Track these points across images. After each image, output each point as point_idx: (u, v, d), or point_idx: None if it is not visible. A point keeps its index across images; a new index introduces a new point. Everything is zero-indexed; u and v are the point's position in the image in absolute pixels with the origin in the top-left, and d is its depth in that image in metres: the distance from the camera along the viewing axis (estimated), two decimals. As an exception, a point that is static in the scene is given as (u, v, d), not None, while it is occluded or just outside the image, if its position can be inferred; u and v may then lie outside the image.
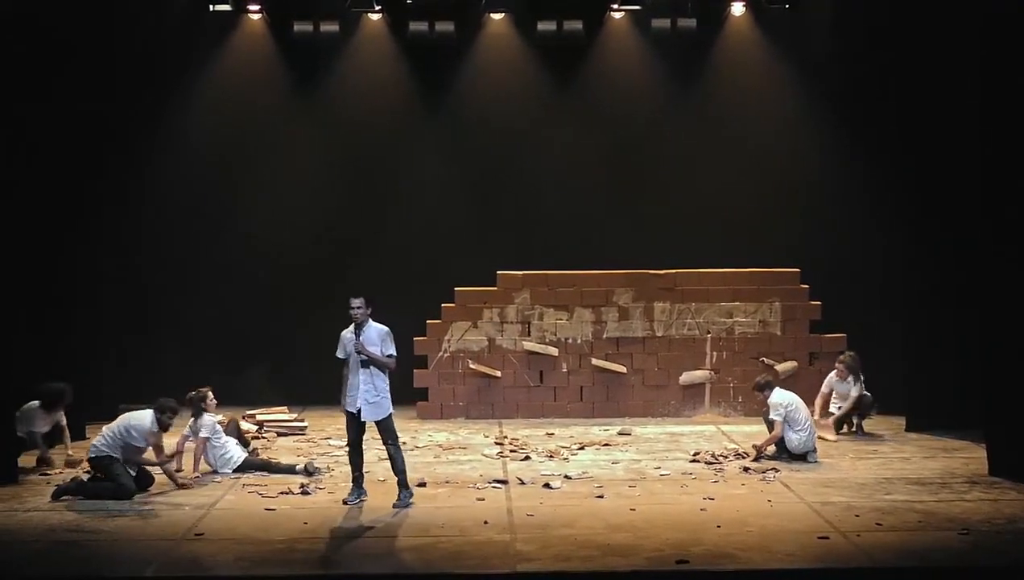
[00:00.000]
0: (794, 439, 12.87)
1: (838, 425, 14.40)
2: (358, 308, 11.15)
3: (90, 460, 11.76)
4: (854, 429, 14.51)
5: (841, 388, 14.47)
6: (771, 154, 17.08)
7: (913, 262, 14.78)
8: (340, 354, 11.29)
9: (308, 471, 12.49)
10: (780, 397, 13.13)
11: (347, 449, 11.46)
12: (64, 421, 13.02)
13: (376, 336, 11.20)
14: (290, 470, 12.58)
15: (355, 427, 11.25)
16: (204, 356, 16.30)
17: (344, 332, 11.30)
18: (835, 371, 14.54)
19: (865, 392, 14.43)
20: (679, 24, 16.76)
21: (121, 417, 11.89)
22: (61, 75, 14.19)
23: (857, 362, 14.48)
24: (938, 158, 14.32)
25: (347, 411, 11.25)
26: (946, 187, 14.26)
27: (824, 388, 14.62)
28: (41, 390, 12.86)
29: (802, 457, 12.87)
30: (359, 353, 11.10)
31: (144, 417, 11.73)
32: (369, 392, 11.14)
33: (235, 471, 12.52)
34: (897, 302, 15.20)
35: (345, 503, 11.16)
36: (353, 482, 11.30)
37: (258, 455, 13.19)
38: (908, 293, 14.89)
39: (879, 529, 10.13)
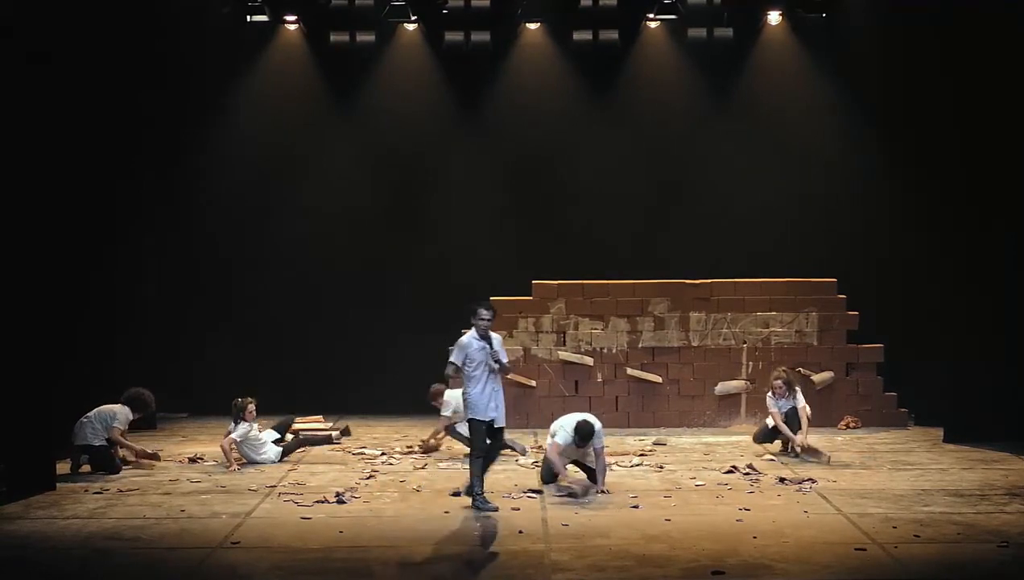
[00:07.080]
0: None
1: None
2: (489, 320, 11.24)
3: None
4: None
5: (783, 406, 13.69)
6: (807, 163, 17.03)
7: (952, 273, 14.68)
8: (459, 360, 11.24)
9: (342, 434, 14.50)
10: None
11: (476, 458, 11.28)
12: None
13: (498, 345, 11.35)
14: (327, 440, 14.32)
15: (486, 435, 11.28)
16: (246, 362, 16.37)
17: (464, 338, 11.31)
18: (773, 391, 13.72)
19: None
20: (715, 33, 16.77)
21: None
22: (103, 85, 14.32)
23: (794, 376, 14.01)
24: (978, 167, 14.23)
25: (480, 421, 11.23)
26: (986, 197, 14.16)
27: (772, 408, 13.73)
28: (131, 395, 13.39)
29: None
30: (496, 362, 11.20)
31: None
32: (500, 398, 11.33)
33: (278, 460, 13.51)
34: (935, 313, 15.09)
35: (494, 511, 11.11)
36: (482, 491, 11.23)
37: (286, 440, 14.10)
38: (946, 304, 14.78)
39: (917, 541, 10.05)
